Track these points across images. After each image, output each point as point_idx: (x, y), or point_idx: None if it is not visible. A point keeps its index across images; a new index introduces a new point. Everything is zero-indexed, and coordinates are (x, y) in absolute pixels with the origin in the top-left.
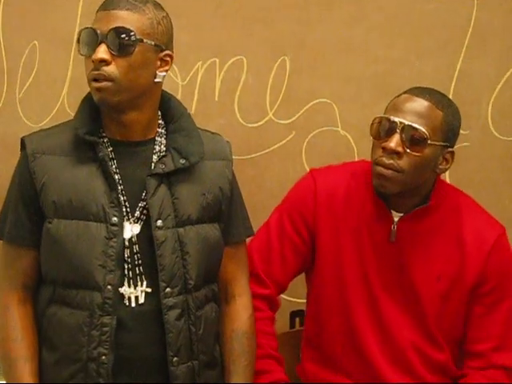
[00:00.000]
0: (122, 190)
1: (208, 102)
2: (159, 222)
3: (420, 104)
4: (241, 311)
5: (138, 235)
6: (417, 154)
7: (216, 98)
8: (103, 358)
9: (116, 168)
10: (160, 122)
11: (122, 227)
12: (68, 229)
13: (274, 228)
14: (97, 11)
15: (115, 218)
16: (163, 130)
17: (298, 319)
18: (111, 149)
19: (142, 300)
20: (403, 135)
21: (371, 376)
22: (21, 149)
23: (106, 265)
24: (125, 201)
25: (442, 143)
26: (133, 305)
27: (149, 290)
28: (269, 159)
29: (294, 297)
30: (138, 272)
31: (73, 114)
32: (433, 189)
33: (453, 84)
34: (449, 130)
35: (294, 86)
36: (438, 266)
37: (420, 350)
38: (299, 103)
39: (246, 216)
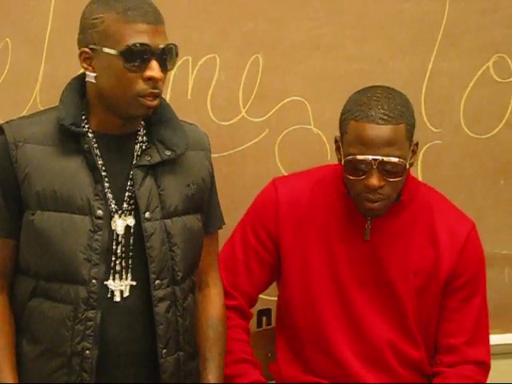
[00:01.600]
0: (107, 183)
1: (181, 100)
2: (147, 214)
3: (383, 132)
4: (215, 299)
5: (131, 228)
6: (397, 179)
7: (189, 96)
8: (87, 352)
9: (101, 160)
10: None
11: (107, 220)
12: (52, 221)
13: (238, 240)
14: (128, 20)
15: (100, 211)
16: (142, 122)
17: (264, 318)
18: (95, 141)
19: (126, 293)
20: (380, 168)
21: (344, 377)
22: None
23: (91, 258)
24: (110, 193)
25: (411, 148)
26: (118, 299)
27: (133, 283)
28: (242, 157)
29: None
30: (124, 265)
31: None
32: (403, 186)
33: (425, 82)
34: (412, 131)
35: (267, 83)
36: (413, 262)
37: (397, 348)
38: (272, 101)
39: (219, 207)
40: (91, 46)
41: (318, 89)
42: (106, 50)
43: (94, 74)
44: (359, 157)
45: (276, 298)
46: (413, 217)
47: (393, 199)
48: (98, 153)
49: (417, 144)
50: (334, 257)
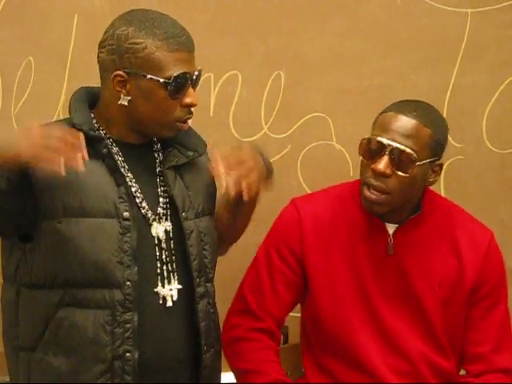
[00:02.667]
0: (132, 184)
1: (203, 117)
2: (184, 214)
3: (407, 123)
4: None
5: (170, 232)
6: (405, 174)
7: (211, 113)
8: (128, 355)
9: (122, 162)
10: None
11: (133, 221)
12: (81, 228)
13: (263, 262)
14: (171, 49)
15: (126, 213)
16: None
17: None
18: (115, 145)
19: (175, 297)
20: (392, 157)
21: None
22: None
23: (123, 261)
24: (135, 194)
25: (431, 159)
26: (170, 304)
27: (180, 286)
28: None
29: None
30: (170, 269)
31: None
32: (423, 197)
33: (447, 97)
34: (437, 146)
35: (289, 100)
36: (437, 273)
37: (430, 360)
38: (294, 117)
39: None
40: (128, 70)
41: (339, 105)
42: (150, 76)
43: (129, 98)
44: (374, 137)
45: (292, 315)
46: (434, 228)
47: (395, 201)
48: (118, 155)
49: (440, 166)
50: (360, 273)
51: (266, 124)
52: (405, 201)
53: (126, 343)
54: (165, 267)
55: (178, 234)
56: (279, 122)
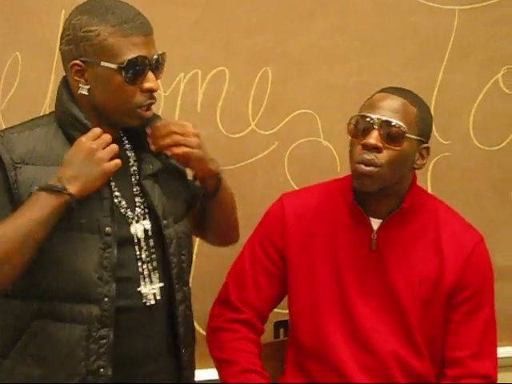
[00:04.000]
0: (116, 195)
1: (190, 113)
2: (165, 222)
3: (395, 101)
4: None
5: (149, 231)
6: (396, 148)
7: (198, 109)
8: (102, 370)
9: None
10: None
11: (114, 236)
12: (62, 240)
13: (247, 255)
14: (124, 33)
15: (108, 228)
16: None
17: (282, 330)
18: None
19: (158, 296)
20: (381, 131)
21: None
22: None
23: (103, 277)
24: (120, 206)
25: (418, 138)
26: (152, 302)
27: (162, 284)
28: (251, 170)
29: (278, 307)
30: (151, 268)
31: None
32: (408, 191)
33: (434, 94)
34: (423, 126)
35: (277, 96)
36: (418, 272)
37: (401, 359)
38: (281, 114)
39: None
40: (84, 59)
41: (327, 101)
42: (103, 63)
43: (88, 87)
44: (362, 113)
45: None
46: (419, 227)
47: (387, 177)
48: None
49: (427, 149)
50: (340, 267)
51: (253, 120)
52: (394, 180)
53: (101, 359)
54: (145, 266)
55: (157, 235)
56: (267, 118)
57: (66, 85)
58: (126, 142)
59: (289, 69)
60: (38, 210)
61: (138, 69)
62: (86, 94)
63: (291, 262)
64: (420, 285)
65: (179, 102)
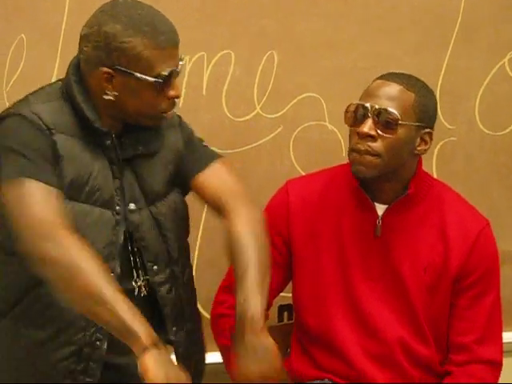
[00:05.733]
0: (123, 178)
1: (196, 96)
2: (132, 206)
3: (391, 88)
4: (241, 218)
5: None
6: (390, 135)
7: (204, 92)
8: (98, 343)
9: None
10: None
11: (123, 216)
12: (79, 212)
13: None
14: (155, 45)
15: (119, 207)
16: None
17: (286, 313)
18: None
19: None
20: (375, 119)
21: (353, 375)
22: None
23: (112, 253)
24: (123, 188)
25: (416, 123)
26: (145, 293)
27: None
28: (257, 153)
29: (283, 291)
30: (138, 260)
31: None
32: (413, 177)
33: (440, 79)
34: (422, 111)
35: (282, 80)
36: (423, 258)
37: (407, 345)
38: (287, 97)
39: (206, 146)
40: (117, 68)
41: (332, 85)
42: (138, 75)
43: (115, 93)
44: (356, 101)
45: None
46: (424, 213)
47: (385, 164)
48: (118, 150)
49: (430, 134)
50: (345, 254)
51: (258, 104)
52: (394, 166)
53: (99, 332)
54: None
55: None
56: (272, 101)
57: (77, 77)
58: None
59: (294, 52)
60: (122, 322)
61: (168, 80)
62: (112, 99)
63: (296, 248)
64: (425, 270)
65: (184, 85)
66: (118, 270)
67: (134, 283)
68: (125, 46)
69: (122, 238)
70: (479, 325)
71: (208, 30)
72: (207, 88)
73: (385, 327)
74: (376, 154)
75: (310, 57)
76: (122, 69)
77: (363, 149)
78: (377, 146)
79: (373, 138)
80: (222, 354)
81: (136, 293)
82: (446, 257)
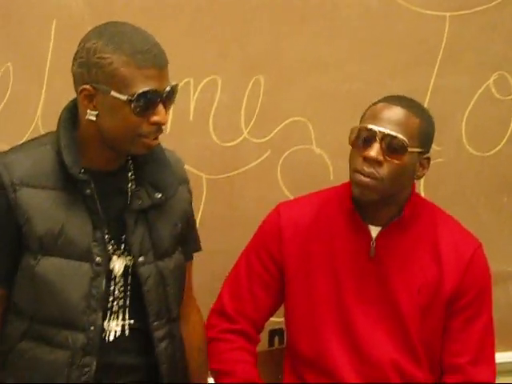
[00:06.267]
0: (106, 227)
1: (183, 122)
2: (141, 258)
3: (397, 112)
4: (197, 329)
5: (129, 267)
6: (397, 161)
7: (191, 118)
8: None
9: (99, 204)
10: None
11: (104, 266)
12: (54, 267)
13: (243, 265)
14: (138, 65)
15: (99, 258)
16: (129, 158)
17: (277, 338)
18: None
19: (126, 333)
20: (383, 144)
21: None
22: None
23: (91, 305)
24: (109, 238)
25: (419, 150)
26: (111, 338)
27: (131, 321)
28: (244, 178)
29: (273, 315)
30: (121, 305)
31: None
32: (408, 200)
33: (426, 100)
34: (425, 137)
35: (269, 104)
36: (417, 279)
37: (400, 368)
38: (274, 122)
39: (196, 232)
40: (95, 85)
41: (319, 109)
42: (114, 93)
43: (96, 113)
44: (364, 125)
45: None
46: (418, 234)
47: (386, 189)
48: (97, 197)
49: (428, 159)
50: (339, 276)
51: (246, 129)
52: (394, 191)
53: (83, 378)
54: (115, 303)
55: (137, 275)
56: (259, 126)
57: (68, 119)
58: (131, 172)
59: (281, 77)
60: None
61: (148, 102)
62: (94, 119)
63: (289, 272)
64: (419, 291)
65: (171, 111)
66: (100, 322)
67: (112, 325)
68: (102, 61)
69: (104, 288)
70: (473, 346)
71: (194, 55)
72: (194, 113)
73: (378, 350)
74: (379, 179)
75: (297, 81)
76: (100, 86)
77: (368, 171)
78: (382, 170)
79: (379, 163)
80: (215, 379)
81: (113, 337)
82: (440, 278)
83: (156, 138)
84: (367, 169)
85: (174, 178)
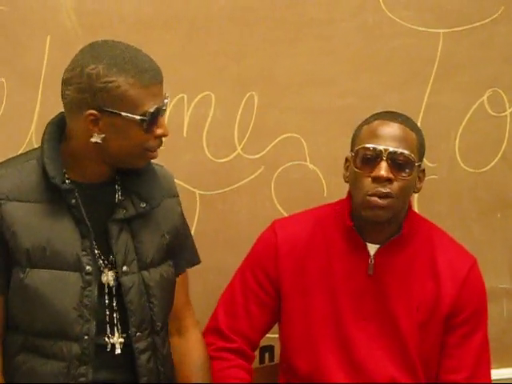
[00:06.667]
0: (93, 237)
1: (176, 137)
2: (125, 268)
3: (396, 128)
4: (197, 343)
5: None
6: (405, 177)
7: (184, 134)
8: None
9: (87, 215)
10: None
11: (95, 275)
12: (43, 278)
13: (238, 284)
14: (141, 84)
15: (89, 267)
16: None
17: (267, 354)
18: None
19: (118, 347)
20: (389, 162)
21: None
22: None
23: (83, 315)
24: (98, 251)
25: (419, 163)
26: (118, 351)
27: (123, 336)
28: (238, 194)
29: None
30: (119, 317)
31: None
32: (405, 217)
33: (420, 117)
34: (421, 150)
35: (262, 120)
36: (416, 296)
37: None
38: (267, 138)
39: (193, 244)
40: (102, 109)
41: (313, 125)
42: (124, 114)
43: (103, 136)
44: (369, 145)
45: (274, 336)
46: (415, 251)
47: (400, 207)
48: (82, 207)
49: (423, 171)
50: (336, 294)
51: (239, 145)
52: (403, 207)
53: None
54: (114, 315)
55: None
56: (253, 142)
57: (52, 132)
58: (118, 184)
59: (274, 93)
60: None
61: (155, 118)
62: (100, 141)
63: (285, 290)
64: (418, 309)
65: None
66: (94, 330)
67: (106, 339)
68: (109, 86)
69: (96, 297)
70: (469, 363)
71: (188, 72)
72: (188, 129)
73: (376, 367)
74: (395, 197)
75: (290, 97)
76: (108, 109)
77: (385, 191)
78: (394, 188)
79: (390, 181)
80: None
81: (109, 349)
82: (438, 295)
83: (155, 150)
84: (383, 189)
85: (160, 189)
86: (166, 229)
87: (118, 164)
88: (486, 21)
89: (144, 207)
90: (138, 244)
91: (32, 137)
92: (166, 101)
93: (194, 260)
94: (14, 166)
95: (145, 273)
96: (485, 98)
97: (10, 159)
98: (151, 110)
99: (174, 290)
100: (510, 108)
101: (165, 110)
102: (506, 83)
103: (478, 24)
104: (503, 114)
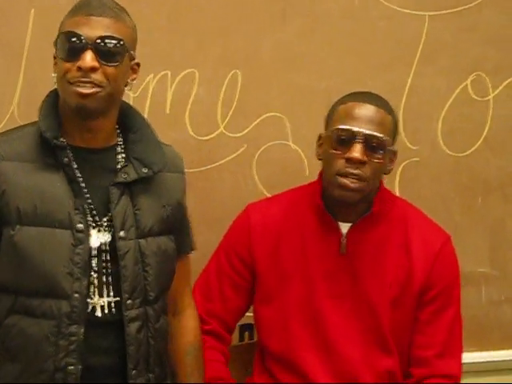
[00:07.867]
0: (87, 197)
1: (159, 114)
2: (122, 233)
3: (372, 110)
4: (192, 324)
5: (107, 244)
6: (378, 160)
7: (167, 111)
8: (71, 367)
9: (80, 174)
10: (117, 130)
11: (87, 234)
12: (32, 236)
13: (213, 267)
14: (73, 14)
15: (80, 225)
16: (120, 139)
17: (247, 333)
18: (73, 154)
19: (106, 310)
20: (364, 144)
21: None
22: None
23: (73, 272)
24: (90, 208)
25: (393, 145)
26: (99, 314)
27: (117, 298)
28: (220, 172)
29: None
30: (104, 281)
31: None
32: (376, 195)
33: (403, 99)
34: (395, 132)
35: (246, 99)
36: (389, 274)
37: (371, 362)
38: (251, 117)
39: (191, 230)
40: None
41: (296, 105)
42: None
43: (55, 75)
44: (344, 126)
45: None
46: (388, 229)
47: (370, 189)
48: (76, 166)
49: (395, 153)
50: (310, 273)
51: (222, 123)
52: (373, 189)
53: (71, 356)
54: (96, 276)
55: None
56: (236, 121)
57: (54, 95)
58: (120, 147)
59: (258, 72)
60: None
61: (71, 45)
62: (55, 81)
63: (260, 273)
64: (390, 286)
65: (148, 103)
66: (84, 291)
67: (97, 300)
68: (60, 28)
69: (88, 256)
70: (440, 339)
71: (172, 48)
72: (171, 107)
73: (348, 346)
74: (365, 180)
75: (274, 77)
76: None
77: (356, 172)
78: (366, 170)
79: (362, 164)
80: None
81: (100, 315)
82: (410, 271)
83: (88, 88)
84: (353, 170)
85: (162, 158)
86: (167, 201)
87: (65, 105)
88: (471, 5)
89: (146, 172)
90: (137, 211)
91: (14, 111)
92: (97, 36)
93: (193, 246)
94: (15, 132)
95: (142, 241)
96: (468, 81)
97: (15, 127)
98: (61, 31)
99: (173, 265)
100: (493, 93)
101: (95, 45)
102: (489, 68)
103: (463, 7)
104: (486, 98)
